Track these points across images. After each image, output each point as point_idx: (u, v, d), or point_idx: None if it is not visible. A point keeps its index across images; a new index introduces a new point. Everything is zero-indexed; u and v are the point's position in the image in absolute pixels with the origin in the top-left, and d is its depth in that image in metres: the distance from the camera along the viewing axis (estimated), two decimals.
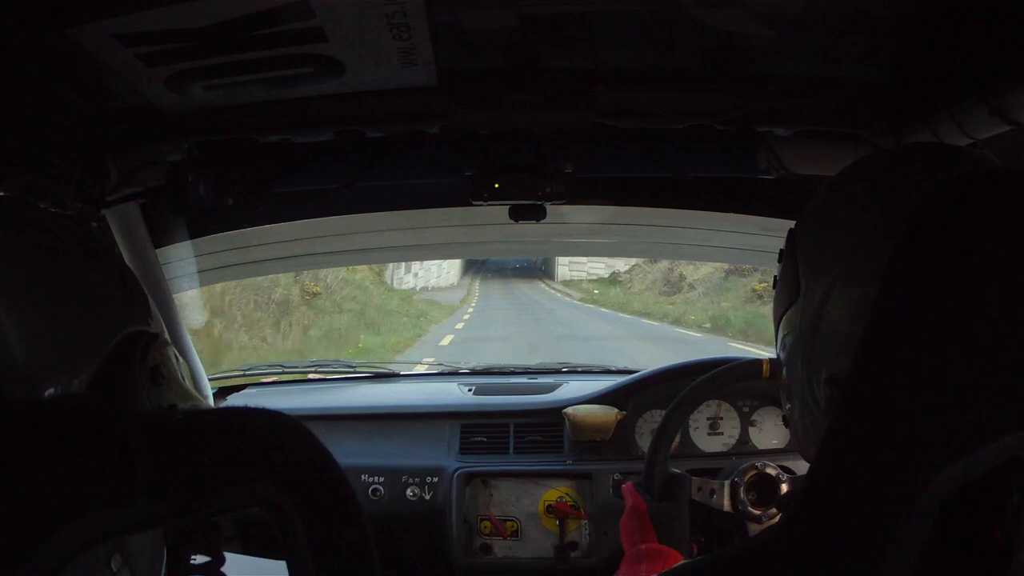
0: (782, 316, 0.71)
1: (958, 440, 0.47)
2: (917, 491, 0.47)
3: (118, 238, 1.54)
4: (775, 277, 0.74)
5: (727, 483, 1.34)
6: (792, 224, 0.74)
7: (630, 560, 1.20)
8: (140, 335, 0.61)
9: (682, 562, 1.04)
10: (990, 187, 0.52)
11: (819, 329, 0.64)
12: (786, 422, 0.74)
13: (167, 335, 0.68)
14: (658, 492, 1.29)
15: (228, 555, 0.75)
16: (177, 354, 0.68)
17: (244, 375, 2.28)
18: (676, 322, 17.01)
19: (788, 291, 0.70)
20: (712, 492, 1.33)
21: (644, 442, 1.80)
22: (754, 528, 1.34)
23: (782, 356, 0.72)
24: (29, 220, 0.60)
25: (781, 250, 0.73)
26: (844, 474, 0.50)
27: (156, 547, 0.65)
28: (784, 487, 1.37)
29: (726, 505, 1.33)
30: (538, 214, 1.50)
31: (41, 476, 0.43)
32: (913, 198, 0.52)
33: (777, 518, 1.31)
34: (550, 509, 1.76)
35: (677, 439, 1.37)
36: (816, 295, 0.65)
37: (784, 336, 0.71)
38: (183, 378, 0.68)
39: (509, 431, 1.88)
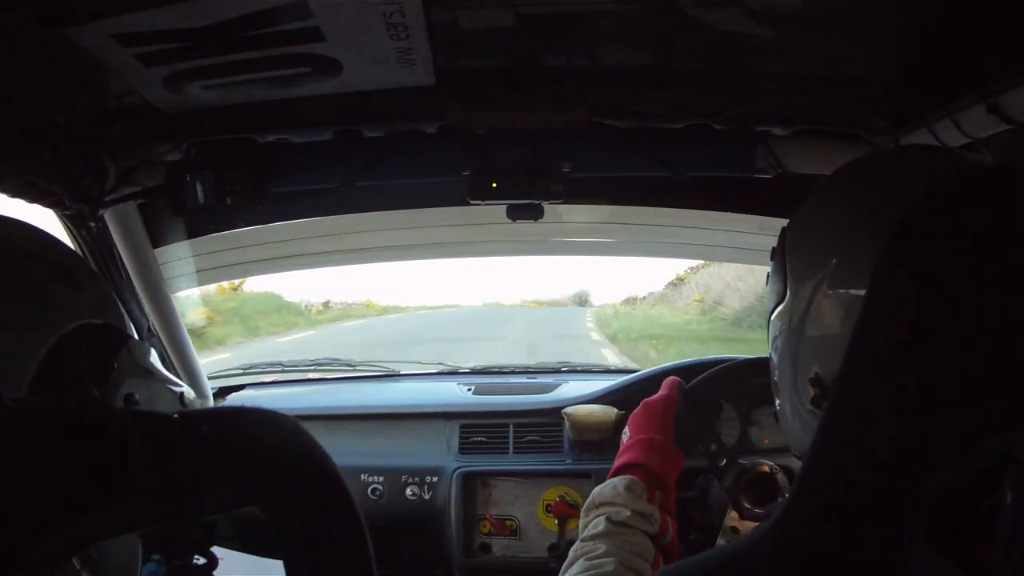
0: (772, 314, 0.72)
1: (950, 438, 0.47)
2: (911, 489, 0.47)
3: (116, 238, 1.54)
4: (768, 275, 0.75)
5: (737, 465, 1.34)
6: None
7: (639, 444, 1.11)
8: (88, 328, 0.62)
9: (671, 565, 1.03)
10: (976, 188, 0.52)
11: (805, 328, 0.65)
12: (776, 418, 0.75)
13: (153, 328, 0.69)
14: (694, 403, 1.22)
15: (226, 552, 0.75)
16: (137, 340, 0.68)
17: (244, 374, 2.28)
18: None
19: (777, 289, 0.71)
20: (721, 459, 1.32)
21: None
22: (732, 518, 1.34)
23: (772, 354, 0.73)
24: None
25: (773, 248, 0.74)
26: (836, 472, 0.50)
27: (130, 545, 0.65)
28: (780, 500, 1.37)
29: (727, 482, 1.32)
30: (536, 213, 1.50)
31: (36, 477, 0.43)
32: (900, 201, 0.52)
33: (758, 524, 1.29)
34: (549, 508, 1.76)
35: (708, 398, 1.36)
36: (804, 295, 0.65)
37: (773, 334, 0.72)
38: (148, 363, 0.69)
39: (508, 431, 1.88)
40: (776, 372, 0.72)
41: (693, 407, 1.21)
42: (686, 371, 1.73)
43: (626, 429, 1.18)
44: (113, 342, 0.64)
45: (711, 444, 1.31)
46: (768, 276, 0.75)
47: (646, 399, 1.21)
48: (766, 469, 1.39)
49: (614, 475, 1.10)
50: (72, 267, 0.66)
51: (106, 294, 0.68)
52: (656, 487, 1.05)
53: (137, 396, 0.65)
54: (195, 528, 0.78)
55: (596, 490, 1.08)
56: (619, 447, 1.21)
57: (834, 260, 0.62)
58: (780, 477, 1.39)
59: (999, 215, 0.49)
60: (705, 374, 1.31)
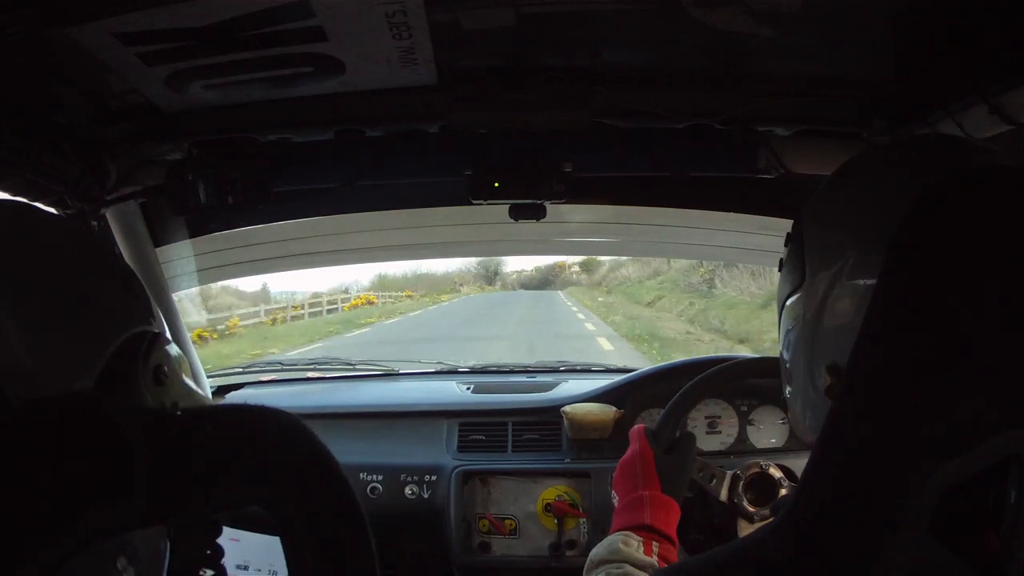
0: (786, 300, 0.71)
1: (956, 436, 0.47)
2: (915, 486, 0.47)
3: (118, 237, 1.55)
4: (781, 260, 0.74)
5: (729, 474, 1.34)
6: (792, 221, 0.73)
7: (630, 506, 1.12)
8: (143, 335, 0.61)
9: (678, 562, 1.03)
10: (986, 184, 0.52)
11: (822, 318, 0.64)
12: (784, 406, 0.74)
13: (168, 333, 0.69)
14: (666, 445, 1.23)
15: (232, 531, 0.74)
16: (179, 351, 0.68)
17: (243, 373, 2.29)
18: None
19: (793, 276, 0.70)
20: (712, 477, 1.32)
21: None
22: (744, 526, 1.34)
23: (784, 341, 0.72)
24: (35, 222, 0.60)
25: (788, 233, 0.73)
26: (841, 468, 0.50)
27: (159, 547, 0.65)
28: (783, 492, 1.37)
29: (723, 495, 1.32)
30: (538, 213, 1.50)
31: (40, 473, 0.43)
32: (914, 193, 0.52)
33: (769, 520, 1.29)
34: (548, 507, 1.76)
35: (676, 433, 1.37)
36: (821, 284, 0.65)
37: (787, 321, 0.71)
38: (185, 375, 0.68)
39: (507, 429, 1.88)
40: (788, 360, 0.71)
41: (667, 450, 1.22)
42: (686, 371, 1.73)
43: (613, 493, 1.19)
44: (162, 351, 0.63)
45: (697, 472, 1.31)
46: (781, 262, 0.74)
47: (622, 459, 1.22)
48: (757, 468, 1.39)
49: None
50: (128, 274, 0.65)
51: (150, 303, 0.68)
52: (653, 539, 1.07)
53: (180, 407, 0.64)
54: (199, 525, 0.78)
55: (593, 551, 1.09)
56: (618, 446, 1.21)
57: (852, 251, 0.62)
58: (773, 471, 1.39)
59: (1006, 213, 0.49)
60: (664, 411, 1.31)
